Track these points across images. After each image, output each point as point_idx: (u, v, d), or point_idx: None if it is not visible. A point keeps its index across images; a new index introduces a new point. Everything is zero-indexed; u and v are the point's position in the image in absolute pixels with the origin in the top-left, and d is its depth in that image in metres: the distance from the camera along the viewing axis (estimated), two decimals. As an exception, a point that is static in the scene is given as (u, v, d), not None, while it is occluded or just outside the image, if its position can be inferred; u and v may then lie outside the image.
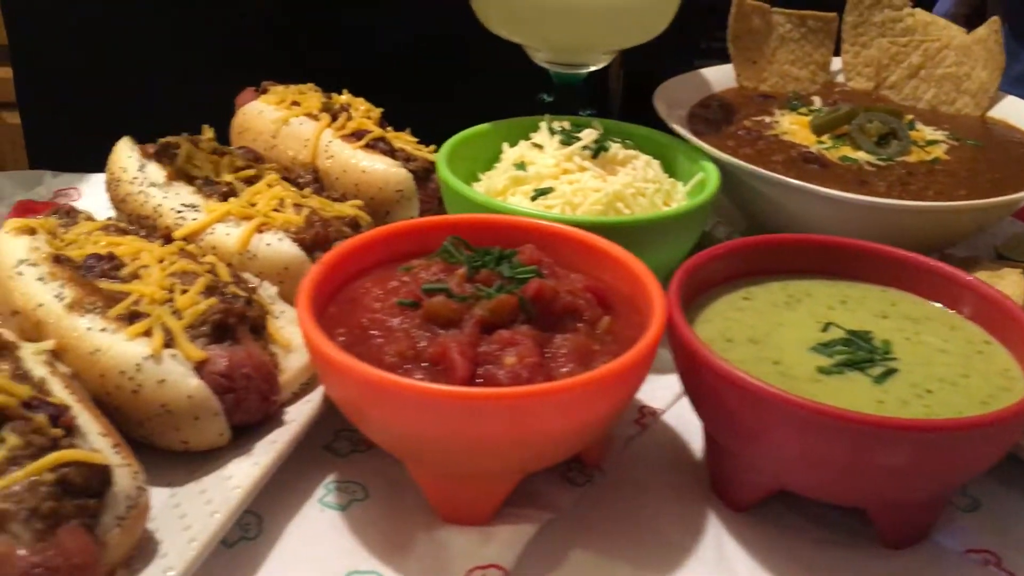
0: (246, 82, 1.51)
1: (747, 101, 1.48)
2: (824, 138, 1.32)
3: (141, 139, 1.32)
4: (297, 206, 1.16)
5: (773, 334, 0.95)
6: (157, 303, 0.93)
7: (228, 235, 1.11)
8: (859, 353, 0.92)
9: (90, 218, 1.11)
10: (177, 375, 0.88)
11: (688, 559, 0.87)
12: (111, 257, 0.99)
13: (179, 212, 1.14)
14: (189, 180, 1.19)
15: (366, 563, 0.86)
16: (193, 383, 0.88)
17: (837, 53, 1.57)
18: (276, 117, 1.37)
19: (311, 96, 1.42)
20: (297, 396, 0.98)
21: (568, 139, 1.23)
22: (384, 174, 1.28)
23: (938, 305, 1.01)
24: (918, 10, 1.54)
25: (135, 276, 0.97)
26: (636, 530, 0.91)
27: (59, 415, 0.79)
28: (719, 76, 1.53)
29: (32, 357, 0.89)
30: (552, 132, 1.25)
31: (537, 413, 0.82)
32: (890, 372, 0.89)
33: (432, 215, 1.31)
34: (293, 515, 0.90)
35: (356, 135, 1.33)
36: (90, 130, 1.92)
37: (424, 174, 1.32)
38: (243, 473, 0.87)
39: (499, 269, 0.94)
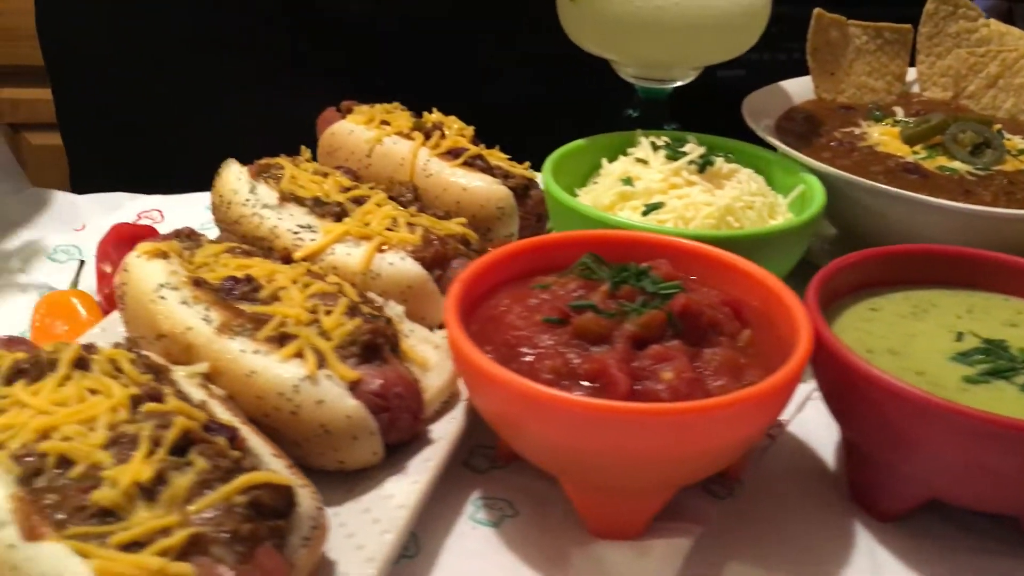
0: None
1: (830, 113, 1.49)
2: (918, 148, 1.34)
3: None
4: (410, 225, 1.17)
5: (909, 345, 0.97)
6: (303, 324, 0.94)
7: (349, 255, 1.12)
8: (1000, 362, 0.93)
9: (211, 241, 1.12)
10: (334, 395, 0.89)
11: (844, 570, 0.88)
12: (249, 279, 1.00)
13: (296, 233, 1.15)
14: (298, 201, 1.20)
15: (530, 579, 0.86)
16: (351, 403, 0.89)
17: (912, 64, 1.59)
18: (369, 136, 1.38)
19: (400, 115, 1.43)
20: (437, 415, 0.99)
21: (673, 154, 1.24)
22: (486, 191, 1.29)
23: (1064, 312, 1.02)
24: (993, 20, 1.56)
25: (275, 298, 0.98)
26: (786, 542, 0.92)
27: (234, 437, 0.80)
28: (797, 88, 1.55)
29: (186, 380, 0.89)
30: (655, 147, 1.26)
31: (700, 428, 0.83)
32: (1035, 380, 0.90)
33: (531, 232, 1.32)
34: (447, 533, 0.91)
35: (452, 153, 1.34)
36: (130, 148, 1.94)
37: (522, 191, 1.33)
38: (404, 492, 0.88)
39: (641, 284, 0.95)
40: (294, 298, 0.97)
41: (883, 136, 1.38)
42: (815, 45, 1.52)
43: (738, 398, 0.83)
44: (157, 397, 0.83)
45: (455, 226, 1.21)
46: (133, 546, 0.70)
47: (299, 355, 0.91)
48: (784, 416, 1.08)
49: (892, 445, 0.89)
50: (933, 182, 1.25)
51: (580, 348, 0.89)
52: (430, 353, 1.02)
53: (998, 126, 1.40)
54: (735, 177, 1.24)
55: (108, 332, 1.09)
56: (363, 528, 0.84)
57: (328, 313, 0.96)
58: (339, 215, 1.18)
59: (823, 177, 1.25)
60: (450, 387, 1.00)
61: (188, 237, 1.12)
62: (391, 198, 1.26)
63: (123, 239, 1.34)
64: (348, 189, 1.23)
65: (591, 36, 1.39)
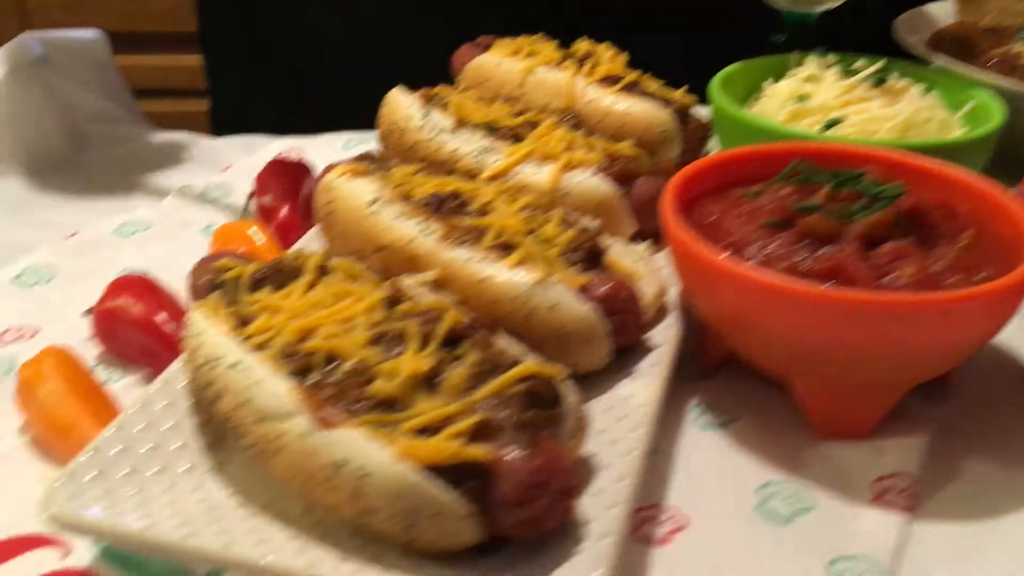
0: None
1: (977, 34, 1.47)
2: (1083, 64, 1.32)
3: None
4: (586, 146, 1.17)
5: None
6: (521, 234, 0.94)
7: (536, 174, 1.12)
8: None
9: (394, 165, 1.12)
10: (567, 300, 0.89)
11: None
12: (455, 195, 1.00)
13: (477, 156, 1.15)
14: (472, 126, 1.20)
15: (775, 475, 0.86)
16: (584, 307, 0.89)
17: (1054, -14, 1.56)
18: (521, 67, 1.37)
19: (545, 45, 1.43)
20: (649, 324, 0.99)
21: (847, 71, 1.23)
22: (648, 115, 1.28)
23: None
24: None
25: (484, 212, 0.98)
26: (1012, 440, 0.92)
27: (493, 332, 0.81)
28: (941, 12, 1.53)
29: (416, 288, 0.90)
30: (827, 66, 1.25)
31: (952, 320, 0.82)
32: None
33: (692, 156, 1.31)
34: (678, 434, 0.92)
35: (608, 80, 1.34)
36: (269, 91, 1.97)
37: (682, 115, 1.32)
38: (641, 392, 0.88)
39: (859, 187, 0.94)
40: (505, 211, 0.98)
41: (1041, 54, 1.36)
42: (959, -33, 1.50)
43: (991, 288, 0.82)
44: (401, 301, 0.84)
45: (625, 148, 1.20)
46: (422, 432, 0.71)
47: (522, 263, 0.91)
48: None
49: None
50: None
51: (809, 249, 0.89)
52: (635, 265, 1.02)
53: None
54: (908, 93, 1.22)
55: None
56: (612, 425, 0.84)
57: (543, 224, 0.96)
58: (516, 138, 1.18)
59: (1002, 92, 1.24)
60: (660, 297, 1.00)
61: (373, 161, 1.13)
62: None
63: (282, 172, 1.35)
64: (518, 114, 1.23)
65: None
